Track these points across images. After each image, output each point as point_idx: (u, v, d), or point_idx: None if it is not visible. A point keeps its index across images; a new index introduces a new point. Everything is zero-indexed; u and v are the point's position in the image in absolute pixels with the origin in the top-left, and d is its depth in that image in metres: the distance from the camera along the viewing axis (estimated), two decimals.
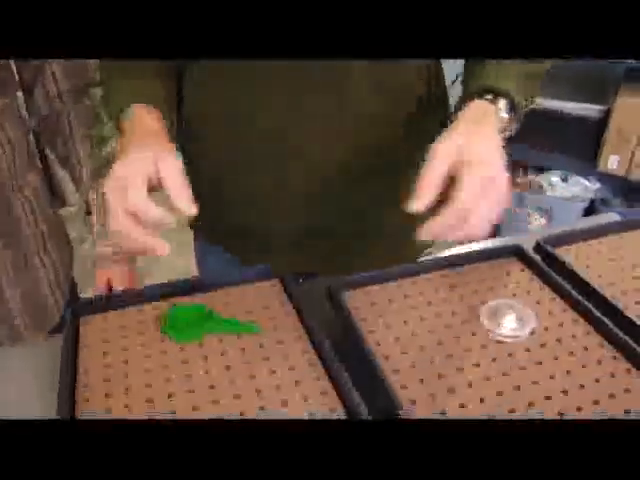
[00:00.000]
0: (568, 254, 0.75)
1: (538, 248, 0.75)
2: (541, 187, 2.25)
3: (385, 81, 0.73)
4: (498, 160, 0.56)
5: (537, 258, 0.72)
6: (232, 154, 0.77)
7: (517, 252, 0.74)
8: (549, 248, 0.74)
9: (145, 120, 0.66)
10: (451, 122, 0.60)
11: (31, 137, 0.87)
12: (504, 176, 0.55)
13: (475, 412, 0.51)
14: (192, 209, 0.56)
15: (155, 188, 0.58)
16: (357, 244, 0.82)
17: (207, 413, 0.52)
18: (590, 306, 0.63)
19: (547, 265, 0.70)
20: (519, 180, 2.31)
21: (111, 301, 0.66)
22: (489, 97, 0.62)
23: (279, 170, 0.76)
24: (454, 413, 0.52)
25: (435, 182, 0.54)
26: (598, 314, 0.61)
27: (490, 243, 0.81)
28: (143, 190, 0.55)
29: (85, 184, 0.87)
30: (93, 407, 0.53)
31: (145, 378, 0.56)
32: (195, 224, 0.91)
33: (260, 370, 0.57)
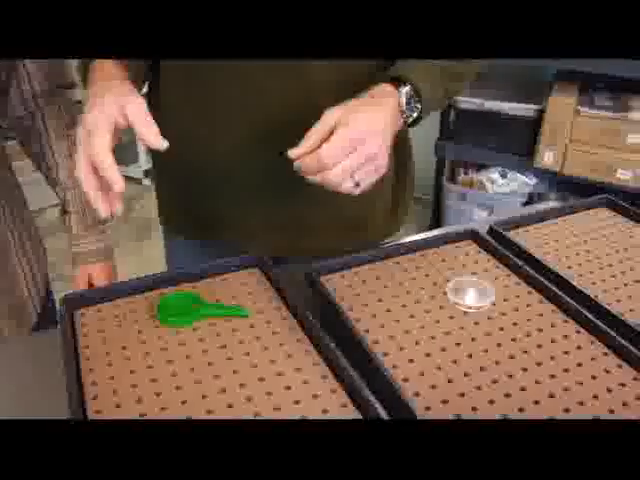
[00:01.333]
0: (518, 236, 0.83)
1: (491, 231, 0.83)
2: (482, 184, 2.37)
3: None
4: (376, 129, 0.63)
5: (491, 240, 0.80)
6: (200, 137, 0.82)
7: (473, 235, 0.81)
8: (502, 231, 0.82)
9: (107, 67, 0.68)
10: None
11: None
12: (378, 145, 0.63)
13: (451, 372, 0.58)
14: (162, 143, 0.59)
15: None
16: (323, 230, 0.88)
17: (210, 388, 0.56)
18: (542, 279, 0.70)
19: (501, 246, 0.78)
20: (461, 178, 2.42)
21: (103, 293, 0.69)
22: (394, 83, 0.68)
23: (245, 154, 0.80)
24: (432, 376, 0.58)
25: (313, 137, 0.63)
26: (549, 285, 0.69)
27: (448, 229, 0.88)
28: (105, 138, 0.58)
29: (63, 184, 0.89)
30: (101, 389, 0.57)
31: (147, 361, 0.60)
32: (167, 220, 0.95)
33: (254, 348, 0.61)
